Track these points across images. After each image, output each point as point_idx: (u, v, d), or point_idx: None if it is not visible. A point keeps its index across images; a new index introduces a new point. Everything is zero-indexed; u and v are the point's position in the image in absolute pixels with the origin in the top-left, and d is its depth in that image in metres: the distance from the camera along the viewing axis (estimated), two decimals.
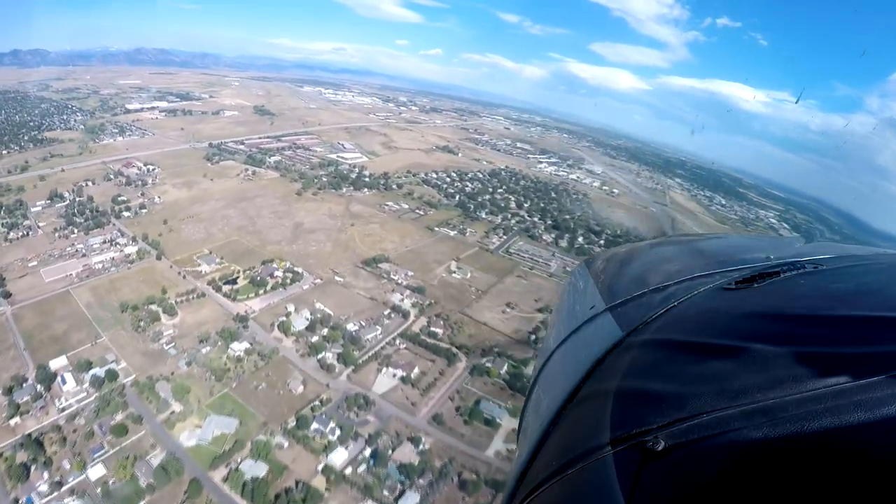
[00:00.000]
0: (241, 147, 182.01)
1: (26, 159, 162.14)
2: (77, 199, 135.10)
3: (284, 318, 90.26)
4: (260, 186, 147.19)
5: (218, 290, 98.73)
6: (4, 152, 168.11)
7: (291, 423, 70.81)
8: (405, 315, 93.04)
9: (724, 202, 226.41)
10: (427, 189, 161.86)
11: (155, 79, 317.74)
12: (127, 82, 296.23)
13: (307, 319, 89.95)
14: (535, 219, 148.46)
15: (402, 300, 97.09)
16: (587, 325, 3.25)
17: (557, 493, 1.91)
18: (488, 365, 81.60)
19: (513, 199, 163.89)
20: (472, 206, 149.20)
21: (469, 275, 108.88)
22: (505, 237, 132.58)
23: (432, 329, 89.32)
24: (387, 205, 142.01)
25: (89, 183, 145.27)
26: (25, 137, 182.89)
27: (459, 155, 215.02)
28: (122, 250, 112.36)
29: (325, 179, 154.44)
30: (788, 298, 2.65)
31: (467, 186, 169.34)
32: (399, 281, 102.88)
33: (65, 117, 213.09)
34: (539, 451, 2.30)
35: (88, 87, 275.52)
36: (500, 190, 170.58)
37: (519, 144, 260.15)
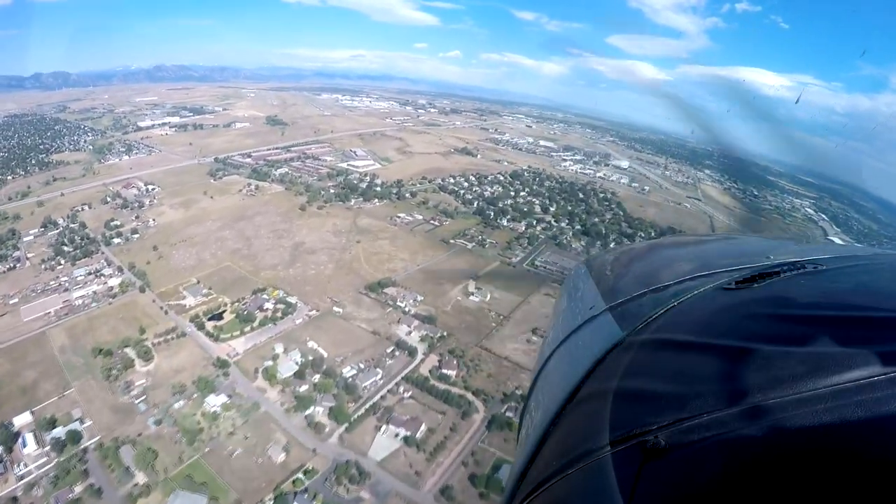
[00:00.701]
0: (248, 160, 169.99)
1: (29, 184, 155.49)
2: (70, 225, 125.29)
3: (270, 363, 76.10)
4: (262, 202, 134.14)
5: (200, 327, 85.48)
6: (10, 177, 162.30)
7: (269, 501, 56.52)
8: (412, 353, 77.47)
9: (756, 193, 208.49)
10: (443, 196, 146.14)
11: (172, 94, 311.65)
12: (143, 99, 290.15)
13: (296, 364, 75.46)
14: (563, 224, 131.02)
15: (410, 333, 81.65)
16: (587, 325, 3.19)
17: (557, 493, 1.89)
18: (509, 415, 65.47)
19: (537, 202, 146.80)
20: (493, 213, 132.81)
21: (489, 296, 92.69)
22: (529, 247, 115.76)
23: (443, 371, 73.55)
24: (398, 216, 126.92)
25: (85, 207, 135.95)
26: (33, 161, 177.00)
27: (478, 157, 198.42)
28: (105, 282, 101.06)
29: (332, 191, 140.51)
30: (788, 298, 2.58)
31: (487, 191, 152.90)
32: (407, 309, 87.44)
33: (75, 138, 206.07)
34: (539, 451, 2.28)
35: (105, 106, 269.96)
36: (522, 193, 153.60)
37: (542, 142, 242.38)
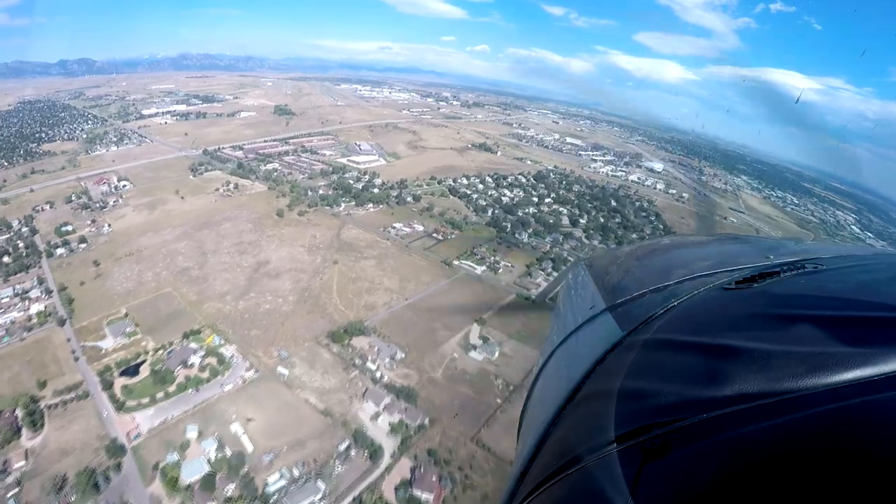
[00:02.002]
0: (238, 154, 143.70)
1: (5, 178, 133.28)
2: (22, 229, 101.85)
3: (175, 456, 49.51)
4: (236, 205, 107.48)
5: (108, 385, 60.11)
6: None
7: None
8: (375, 454, 49.17)
9: (796, 201, 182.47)
10: (452, 201, 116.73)
11: (189, 83, 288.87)
12: (159, 87, 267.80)
13: (208, 463, 48.64)
14: (595, 242, 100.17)
15: (377, 417, 53.33)
16: (587, 324, 3.10)
17: (558, 492, 1.82)
18: None
19: (565, 211, 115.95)
20: (510, 225, 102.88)
21: (496, 352, 63.66)
22: (555, 274, 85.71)
23: (416, 492, 45.45)
24: (393, 227, 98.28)
25: (46, 207, 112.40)
26: (21, 151, 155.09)
27: (498, 154, 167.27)
28: (27, 309, 76.88)
29: (321, 192, 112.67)
30: (788, 298, 2.50)
31: (505, 195, 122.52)
32: (379, 374, 59.07)
33: (74, 127, 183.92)
34: (539, 451, 2.22)
35: (119, 94, 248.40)
36: (547, 199, 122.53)
37: (569, 139, 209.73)
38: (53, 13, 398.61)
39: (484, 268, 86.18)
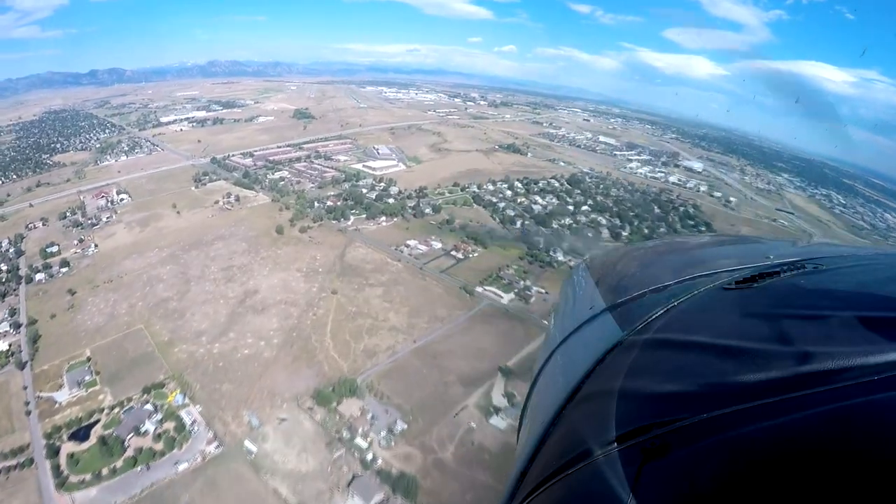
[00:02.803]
0: (247, 161, 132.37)
1: (9, 192, 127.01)
2: (9, 250, 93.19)
3: None
4: (234, 220, 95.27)
5: (54, 453, 49.00)
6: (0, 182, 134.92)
7: None
8: None
9: (842, 200, 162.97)
10: (476, 211, 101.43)
11: (214, 89, 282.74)
12: (184, 94, 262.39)
13: None
14: None
15: None
16: (587, 325, 3.07)
17: (558, 492, 1.80)
18: None
19: (604, 221, 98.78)
20: (543, 240, 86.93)
21: None
22: None
23: None
24: (407, 244, 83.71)
25: (39, 224, 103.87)
26: (32, 163, 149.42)
27: (529, 155, 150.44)
28: None
29: (329, 203, 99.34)
30: (788, 298, 2.50)
31: (536, 203, 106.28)
32: (371, 454, 44.60)
33: (90, 136, 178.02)
34: (539, 451, 2.20)
35: (144, 101, 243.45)
36: (584, 207, 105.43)
37: (601, 138, 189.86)
38: (84, 24, 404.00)
39: (512, 295, 70.60)
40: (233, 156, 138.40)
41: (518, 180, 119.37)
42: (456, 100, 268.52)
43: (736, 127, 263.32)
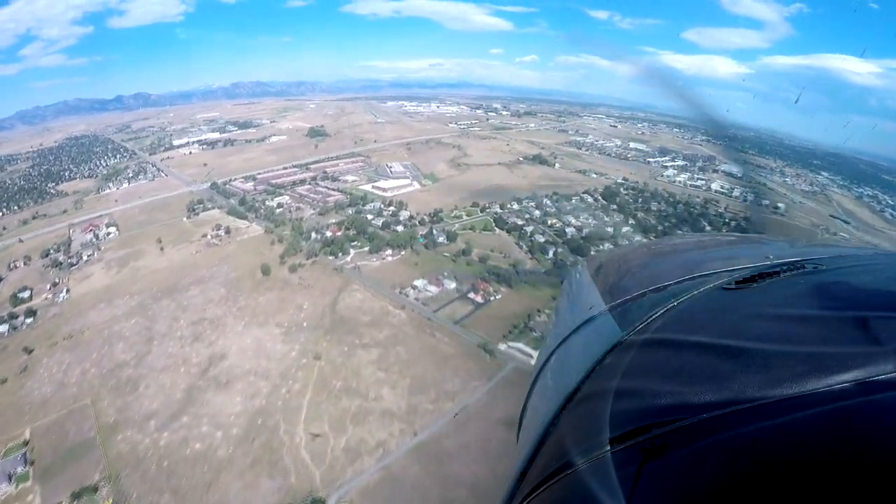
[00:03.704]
0: (246, 187, 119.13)
1: (5, 225, 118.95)
2: None
3: None
4: (219, 257, 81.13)
5: None
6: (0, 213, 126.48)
7: None
8: None
9: (889, 201, 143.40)
10: (499, 237, 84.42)
11: (234, 110, 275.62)
12: (204, 116, 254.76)
13: None
14: None
15: None
16: (587, 325, 3.01)
17: (557, 492, 1.78)
18: None
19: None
20: None
21: None
22: None
23: None
24: (414, 286, 67.30)
25: (20, 264, 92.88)
26: (37, 192, 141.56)
27: (556, 166, 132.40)
28: None
29: (328, 234, 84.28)
30: (788, 298, 2.45)
31: (570, 224, 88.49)
32: None
33: (99, 162, 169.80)
34: (539, 451, 2.17)
35: (163, 125, 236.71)
36: (625, 228, 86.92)
37: (631, 144, 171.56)
38: (110, 51, 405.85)
39: None
40: (234, 180, 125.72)
41: (547, 197, 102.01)
42: (478, 111, 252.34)
43: (763, 126, 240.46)
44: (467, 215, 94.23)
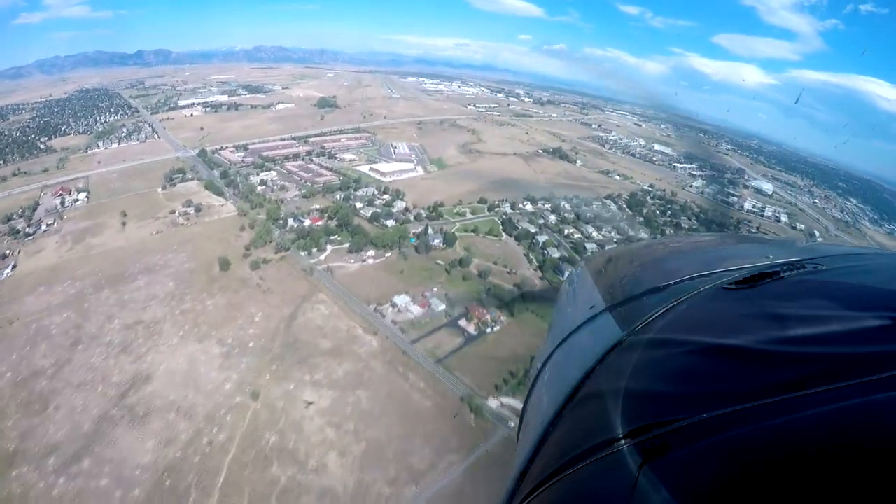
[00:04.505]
0: (235, 157, 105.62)
1: None
2: None
3: None
4: (180, 240, 68.30)
5: None
6: None
7: None
8: None
9: None
10: (505, 245, 69.96)
11: (252, 73, 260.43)
12: (219, 77, 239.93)
13: None
14: None
15: None
16: (587, 325, 2.94)
17: (557, 492, 1.73)
18: None
19: None
20: None
21: None
22: None
23: None
24: (394, 303, 53.43)
25: None
26: (27, 146, 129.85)
27: (578, 163, 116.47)
28: None
29: (306, 223, 70.86)
30: (788, 298, 2.39)
31: (591, 237, 73.64)
32: None
33: (98, 118, 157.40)
34: (539, 451, 2.13)
35: (176, 83, 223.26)
36: None
37: (656, 146, 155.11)
38: (134, 6, 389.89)
39: None
40: (225, 148, 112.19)
41: (565, 199, 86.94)
42: (499, 95, 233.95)
43: (783, 140, 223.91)
44: (472, 213, 79.77)
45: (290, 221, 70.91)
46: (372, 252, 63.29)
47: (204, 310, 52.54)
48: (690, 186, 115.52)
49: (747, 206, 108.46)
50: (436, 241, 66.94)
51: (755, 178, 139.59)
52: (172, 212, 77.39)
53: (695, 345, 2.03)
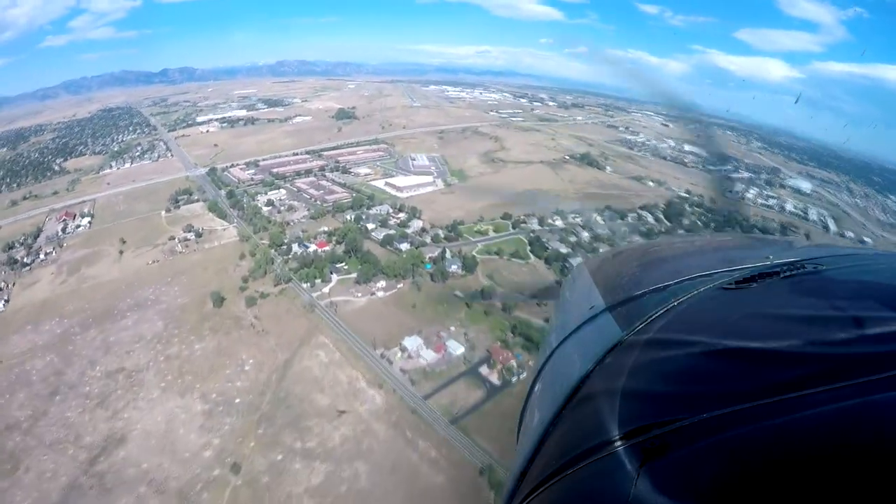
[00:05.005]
0: (245, 175, 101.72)
1: None
2: None
3: None
4: (176, 271, 63.59)
5: None
6: None
7: None
8: None
9: None
10: (533, 269, 62.30)
11: (273, 87, 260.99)
12: (241, 92, 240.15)
13: None
14: None
15: None
16: (587, 325, 2.94)
17: (557, 492, 1.74)
18: None
19: None
20: None
21: None
22: None
23: None
24: (403, 346, 46.97)
25: None
26: (42, 168, 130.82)
27: (608, 169, 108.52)
28: None
29: (310, 248, 65.25)
30: (788, 298, 2.42)
31: None
32: None
33: (118, 137, 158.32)
34: (539, 451, 2.13)
35: (198, 99, 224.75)
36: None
37: (686, 147, 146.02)
38: (158, 25, 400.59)
39: None
40: (236, 166, 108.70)
41: (597, 211, 79.14)
42: (522, 100, 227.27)
43: (811, 135, 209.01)
44: (495, 231, 72.79)
45: (295, 247, 65.46)
46: (382, 283, 56.86)
47: (191, 355, 47.10)
48: (729, 192, 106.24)
49: (789, 207, 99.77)
50: (454, 268, 60.14)
51: (791, 177, 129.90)
52: (172, 238, 73.17)
53: (695, 345, 2.02)
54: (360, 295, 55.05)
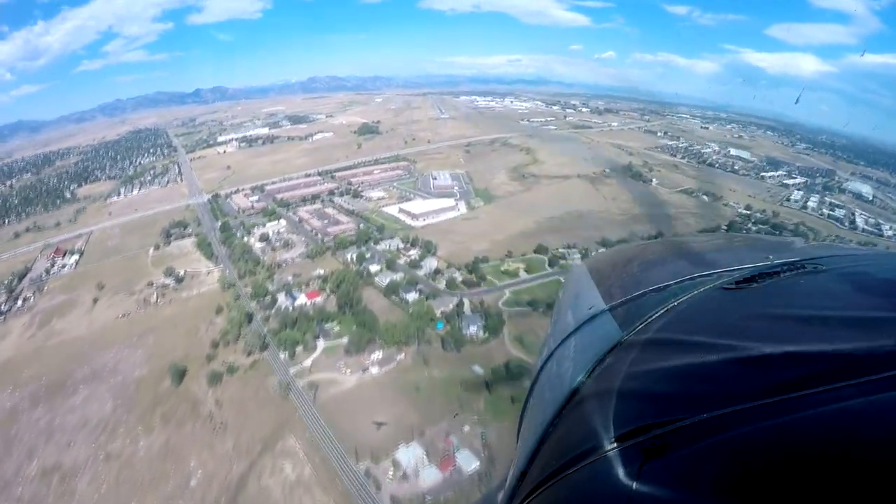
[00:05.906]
0: (246, 203, 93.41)
1: None
2: None
3: None
4: (143, 329, 54.11)
5: None
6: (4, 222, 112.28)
7: None
8: None
9: None
10: None
11: (302, 104, 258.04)
12: (269, 110, 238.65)
13: None
14: None
15: None
16: (587, 325, 2.93)
17: (557, 493, 1.75)
18: None
19: None
20: None
21: None
22: None
23: None
24: (394, 461, 34.81)
25: None
26: (52, 197, 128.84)
27: (654, 182, 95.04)
28: None
29: (298, 301, 54.64)
30: (788, 298, 2.45)
31: None
32: None
33: (136, 160, 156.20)
34: (539, 451, 2.14)
35: (224, 119, 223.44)
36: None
37: (733, 152, 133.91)
38: (189, 47, 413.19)
39: None
40: (241, 191, 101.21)
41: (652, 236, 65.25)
42: (554, 108, 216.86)
43: (848, 131, 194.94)
44: (527, 270, 60.08)
45: (281, 297, 55.09)
46: (379, 354, 45.33)
47: (133, 455, 37.04)
48: (788, 201, 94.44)
49: (860, 223, 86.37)
50: (473, 329, 47.86)
51: (847, 180, 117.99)
52: (150, 284, 64.54)
53: (695, 345, 2.03)
54: (348, 372, 43.49)
